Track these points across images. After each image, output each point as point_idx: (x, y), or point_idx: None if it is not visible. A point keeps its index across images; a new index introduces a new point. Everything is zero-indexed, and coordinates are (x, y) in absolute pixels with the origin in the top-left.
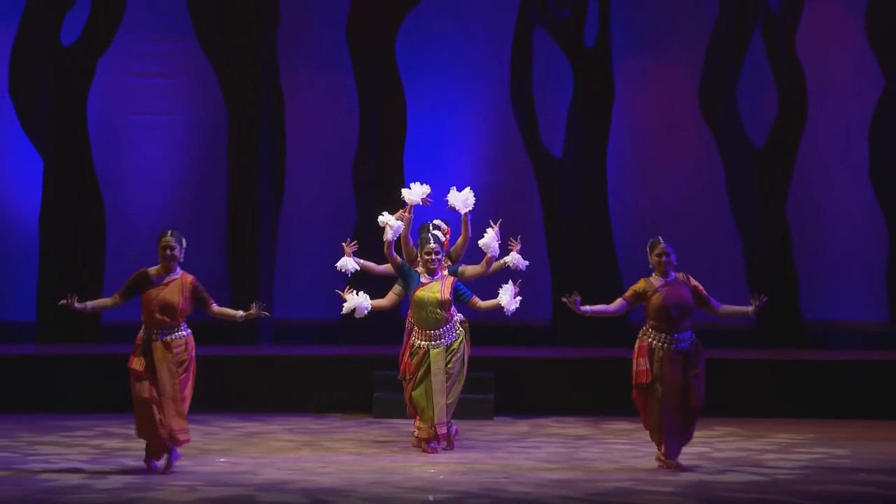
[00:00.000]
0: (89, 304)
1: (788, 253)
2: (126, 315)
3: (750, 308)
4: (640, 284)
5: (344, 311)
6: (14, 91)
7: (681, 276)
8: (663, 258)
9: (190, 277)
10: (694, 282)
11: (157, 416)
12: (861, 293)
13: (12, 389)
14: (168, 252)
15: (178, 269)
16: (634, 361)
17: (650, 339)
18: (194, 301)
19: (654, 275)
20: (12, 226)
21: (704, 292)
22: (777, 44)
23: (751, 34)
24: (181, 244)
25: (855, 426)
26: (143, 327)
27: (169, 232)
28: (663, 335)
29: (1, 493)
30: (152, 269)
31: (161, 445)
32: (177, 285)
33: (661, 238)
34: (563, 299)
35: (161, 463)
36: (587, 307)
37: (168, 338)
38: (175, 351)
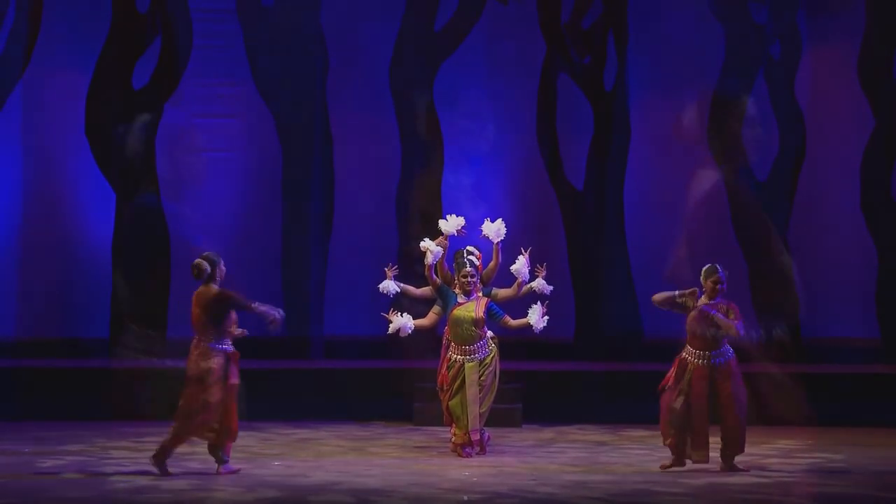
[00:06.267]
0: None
1: (789, 276)
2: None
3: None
4: (693, 293)
5: (390, 330)
6: (90, 130)
7: (722, 304)
8: (718, 286)
9: (214, 289)
10: (731, 306)
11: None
12: (854, 313)
13: (89, 399)
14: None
15: (212, 284)
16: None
17: (685, 354)
18: (217, 308)
19: (703, 296)
20: (88, 252)
21: (726, 316)
22: (778, 87)
23: (754, 79)
24: (211, 264)
25: (849, 433)
26: None
27: (206, 254)
28: (696, 351)
29: (78, 494)
30: None
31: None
32: (196, 297)
33: (718, 266)
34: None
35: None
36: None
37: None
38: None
